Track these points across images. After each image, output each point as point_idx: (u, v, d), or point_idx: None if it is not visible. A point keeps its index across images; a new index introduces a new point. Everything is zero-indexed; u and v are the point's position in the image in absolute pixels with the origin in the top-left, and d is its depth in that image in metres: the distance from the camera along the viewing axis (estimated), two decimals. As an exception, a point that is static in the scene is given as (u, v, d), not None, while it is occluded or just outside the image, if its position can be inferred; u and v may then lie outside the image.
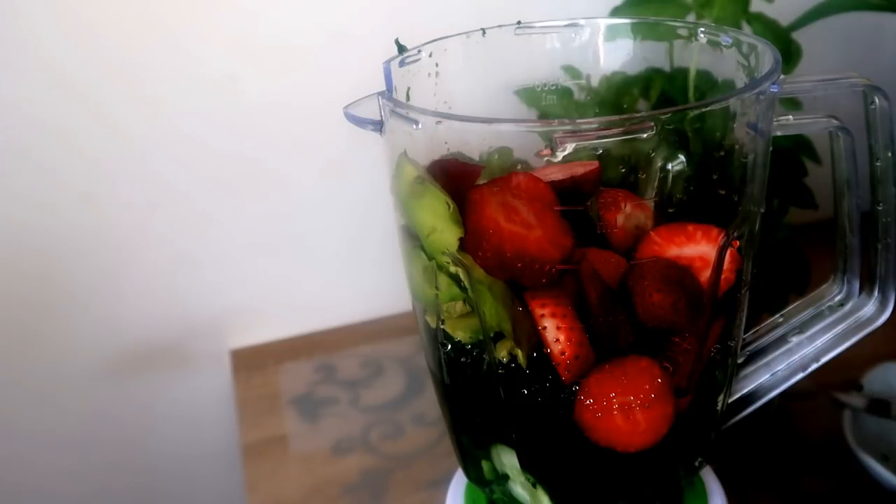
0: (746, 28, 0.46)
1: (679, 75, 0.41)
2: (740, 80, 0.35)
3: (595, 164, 0.32)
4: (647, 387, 0.30)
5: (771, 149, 0.33)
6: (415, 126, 0.30)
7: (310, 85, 0.60)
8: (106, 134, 0.58)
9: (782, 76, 0.31)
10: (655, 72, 0.41)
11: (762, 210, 0.33)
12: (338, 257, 0.67)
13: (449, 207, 0.30)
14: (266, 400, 0.60)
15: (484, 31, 0.38)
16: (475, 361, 0.33)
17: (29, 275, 0.60)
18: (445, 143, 0.32)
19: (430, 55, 0.36)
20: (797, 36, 0.46)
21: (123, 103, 0.57)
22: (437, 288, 0.32)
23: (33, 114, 0.56)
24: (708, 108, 0.29)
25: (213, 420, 0.68)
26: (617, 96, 0.42)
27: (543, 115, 0.40)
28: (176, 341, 0.65)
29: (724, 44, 0.35)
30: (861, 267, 0.36)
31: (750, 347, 0.37)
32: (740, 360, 0.36)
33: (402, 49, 0.36)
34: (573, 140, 0.27)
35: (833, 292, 0.37)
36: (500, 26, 0.38)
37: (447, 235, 0.30)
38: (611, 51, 0.39)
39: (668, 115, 0.28)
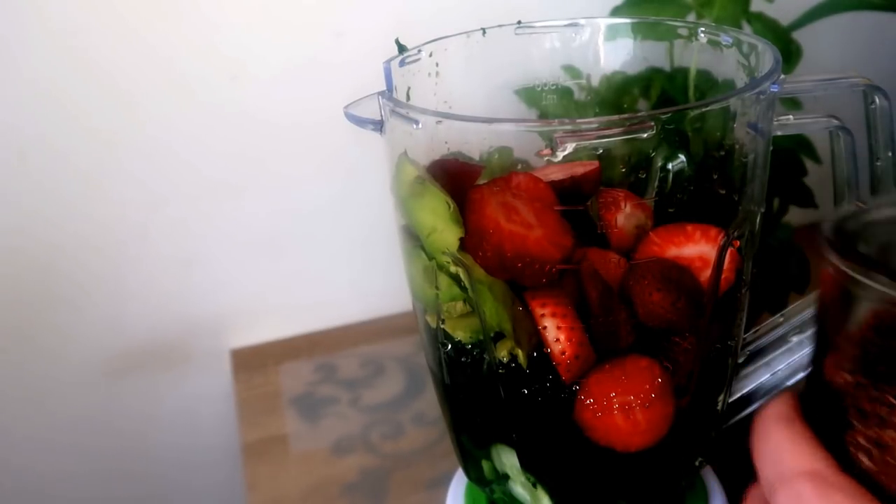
0: (747, 28, 0.46)
1: (679, 75, 0.41)
2: (740, 80, 0.35)
3: (595, 164, 0.32)
4: (648, 386, 0.30)
5: (771, 148, 0.33)
6: (415, 126, 0.30)
7: (310, 85, 0.60)
8: (106, 133, 0.58)
9: (782, 76, 0.31)
10: (655, 71, 0.41)
11: (762, 210, 0.33)
12: (338, 257, 0.67)
13: (449, 207, 0.30)
14: (266, 400, 0.60)
15: (484, 30, 0.38)
16: (475, 361, 0.33)
17: (28, 275, 0.60)
18: (445, 142, 0.32)
19: (431, 55, 0.36)
20: (797, 36, 0.46)
21: (123, 103, 0.57)
22: (437, 288, 0.32)
23: (33, 114, 0.56)
24: (708, 108, 0.29)
25: (213, 420, 0.68)
26: (617, 96, 0.42)
27: (543, 115, 0.40)
28: (176, 341, 0.65)
29: (724, 43, 0.35)
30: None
31: (750, 347, 0.37)
32: (740, 360, 0.36)
33: (402, 49, 0.36)
34: (573, 140, 0.27)
35: (833, 292, 0.37)
36: (500, 26, 0.38)
37: (447, 235, 0.30)
38: (611, 50, 0.39)
39: (669, 115, 0.28)
